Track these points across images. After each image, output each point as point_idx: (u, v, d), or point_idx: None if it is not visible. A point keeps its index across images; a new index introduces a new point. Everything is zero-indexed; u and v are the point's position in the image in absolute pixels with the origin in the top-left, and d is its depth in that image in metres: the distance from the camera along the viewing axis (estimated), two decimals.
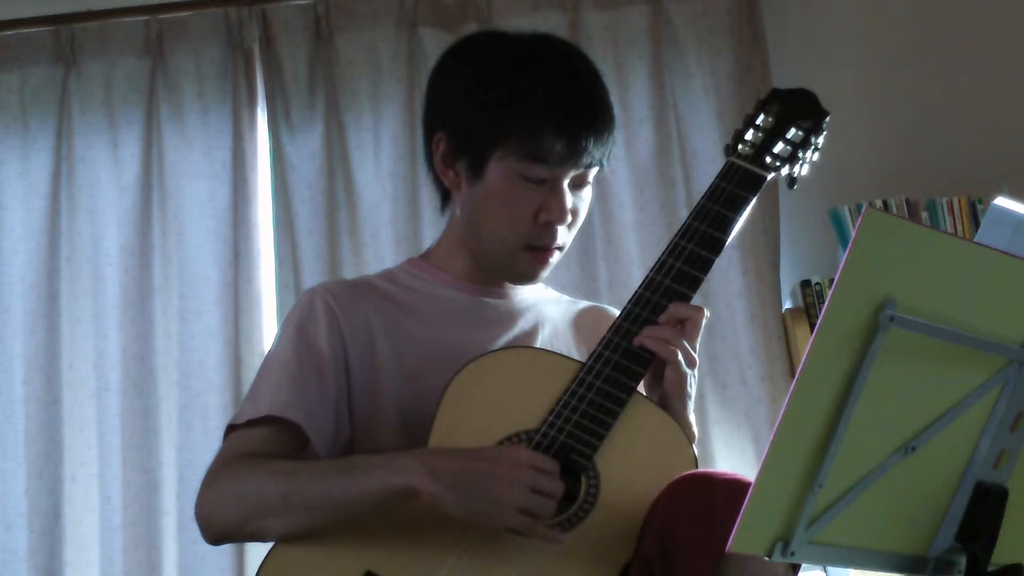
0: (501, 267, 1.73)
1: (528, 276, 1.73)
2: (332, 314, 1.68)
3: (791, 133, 1.68)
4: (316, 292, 1.72)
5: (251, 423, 1.61)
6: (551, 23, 3.34)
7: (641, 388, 1.60)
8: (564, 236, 1.69)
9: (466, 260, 1.76)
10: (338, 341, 1.66)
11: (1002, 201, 1.57)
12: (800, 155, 1.69)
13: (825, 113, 1.71)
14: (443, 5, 3.38)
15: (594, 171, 1.69)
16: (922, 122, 3.36)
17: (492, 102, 1.64)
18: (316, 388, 1.63)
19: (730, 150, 1.68)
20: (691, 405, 1.62)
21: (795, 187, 1.72)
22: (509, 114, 1.63)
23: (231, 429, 1.64)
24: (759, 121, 1.69)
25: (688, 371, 1.59)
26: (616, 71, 3.30)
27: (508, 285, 1.78)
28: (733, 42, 3.32)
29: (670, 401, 1.59)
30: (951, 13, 3.41)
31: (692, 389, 1.62)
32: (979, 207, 3.08)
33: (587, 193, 1.71)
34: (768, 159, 1.66)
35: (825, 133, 1.72)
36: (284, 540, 1.52)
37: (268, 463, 1.56)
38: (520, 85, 1.64)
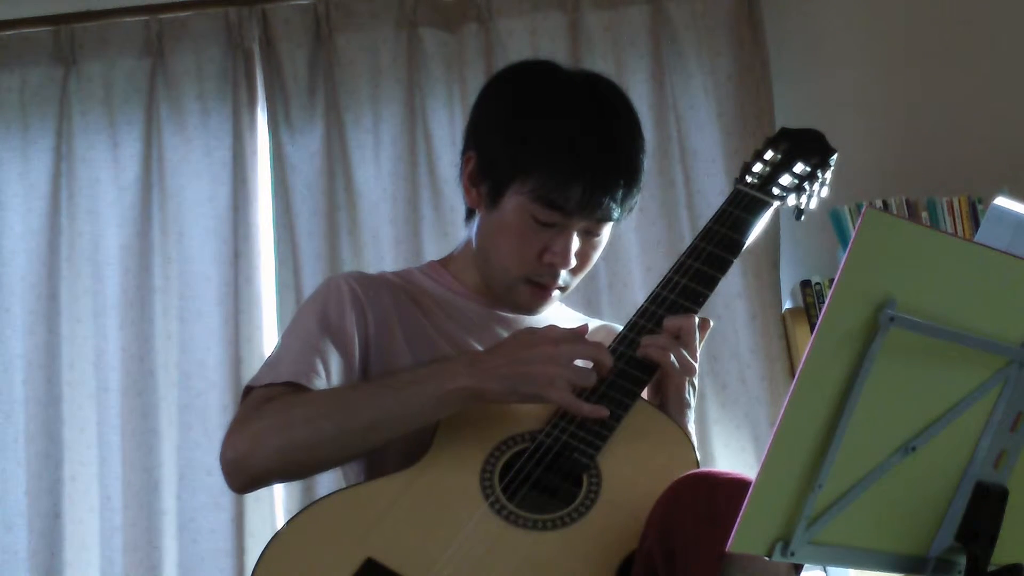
0: (501, 295, 1.75)
1: (526, 308, 1.75)
2: (357, 298, 1.70)
3: (798, 168, 1.73)
4: (341, 277, 1.75)
5: (270, 387, 1.61)
6: (551, 23, 3.34)
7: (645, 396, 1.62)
8: (567, 279, 1.71)
9: (478, 276, 1.77)
10: (361, 324, 1.68)
11: (1002, 201, 1.58)
12: (806, 187, 1.74)
13: (832, 151, 1.76)
14: (443, 5, 3.38)
15: (608, 224, 1.70)
16: (922, 122, 3.36)
17: (518, 138, 1.65)
18: (337, 363, 1.64)
19: (738, 180, 1.72)
20: (691, 414, 1.64)
21: (802, 218, 1.77)
22: (531, 155, 1.63)
23: (248, 392, 1.64)
24: (767, 156, 1.74)
25: (686, 379, 1.61)
26: (616, 71, 3.29)
27: None
28: (733, 42, 3.32)
29: (668, 408, 1.62)
30: (951, 13, 3.42)
31: (692, 398, 1.64)
32: (979, 207, 3.08)
33: (601, 241, 1.72)
34: (775, 189, 1.71)
35: (832, 169, 1.77)
36: (329, 468, 1.60)
37: (307, 394, 1.58)
38: (549, 129, 1.64)
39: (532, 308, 1.74)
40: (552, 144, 1.63)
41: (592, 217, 1.65)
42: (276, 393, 1.59)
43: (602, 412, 1.53)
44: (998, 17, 3.42)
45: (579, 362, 1.54)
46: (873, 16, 3.44)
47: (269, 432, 1.54)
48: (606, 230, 1.71)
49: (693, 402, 1.64)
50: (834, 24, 3.44)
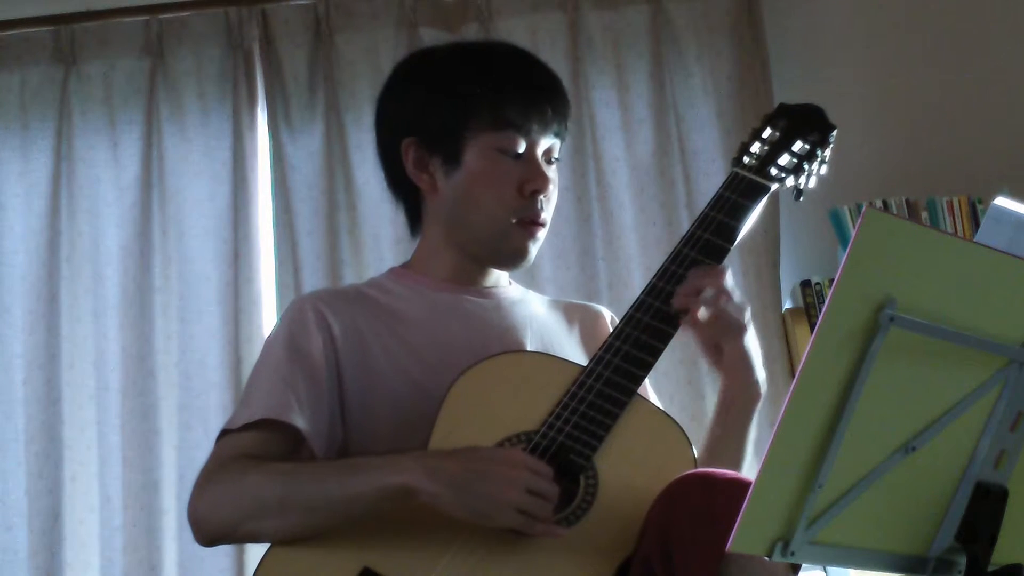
0: (494, 250, 1.75)
1: (520, 253, 1.75)
2: (323, 320, 1.69)
3: (797, 146, 1.70)
4: (305, 300, 1.74)
5: (245, 427, 1.61)
6: (551, 23, 3.34)
7: (649, 395, 1.61)
8: (546, 210, 1.74)
9: (448, 262, 1.78)
10: (329, 346, 1.67)
11: (1002, 201, 1.58)
12: (806, 167, 1.70)
13: (832, 127, 1.72)
14: (443, 5, 3.38)
15: (559, 145, 1.76)
16: (922, 122, 3.36)
17: (457, 87, 1.72)
18: (309, 391, 1.63)
19: (735, 162, 1.70)
20: (757, 362, 1.65)
21: (801, 199, 1.74)
22: (476, 92, 1.70)
23: (224, 434, 1.64)
24: (765, 134, 1.71)
25: (757, 402, 1.65)
26: (616, 71, 3.30)
27: (491, 285, 1.80)
28: (733, 42, 3.32)
29: (729, 426, 1.66)
30: (951, 13, 3.42)
31: (753, 343, 1.65)
32: (979, 207, 3.08)
33: (554, 172, 1.76)
34: (773, 171, 1.68)
35: (832, 146, 1.73)
36: (279, 542, 1.52)
37: (264, 464, 1.56)
38: (480, 67, 1.74)
39: (525, 250, 1.74)
40: (492, 77, 1.71)
41: (548, 130, 1.72)
42: (246, 442, 1.59)
43: (558, 533, 1.48)
44: (998, 17, 3.42)
45: None
46: (873, 16, 3.44)
47: (223, 499, 1.55)
48: (556, 153, 1.77)
49: (756, 352, 1.65)
50: (834, 24, 3.44)
